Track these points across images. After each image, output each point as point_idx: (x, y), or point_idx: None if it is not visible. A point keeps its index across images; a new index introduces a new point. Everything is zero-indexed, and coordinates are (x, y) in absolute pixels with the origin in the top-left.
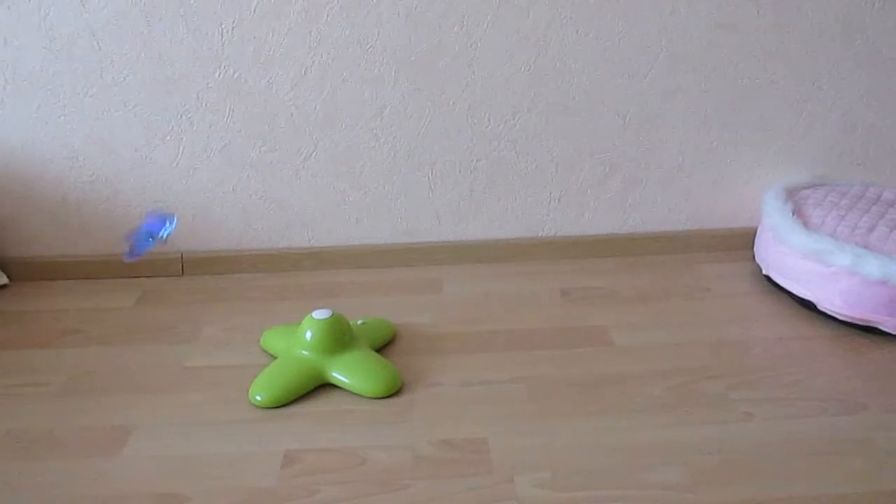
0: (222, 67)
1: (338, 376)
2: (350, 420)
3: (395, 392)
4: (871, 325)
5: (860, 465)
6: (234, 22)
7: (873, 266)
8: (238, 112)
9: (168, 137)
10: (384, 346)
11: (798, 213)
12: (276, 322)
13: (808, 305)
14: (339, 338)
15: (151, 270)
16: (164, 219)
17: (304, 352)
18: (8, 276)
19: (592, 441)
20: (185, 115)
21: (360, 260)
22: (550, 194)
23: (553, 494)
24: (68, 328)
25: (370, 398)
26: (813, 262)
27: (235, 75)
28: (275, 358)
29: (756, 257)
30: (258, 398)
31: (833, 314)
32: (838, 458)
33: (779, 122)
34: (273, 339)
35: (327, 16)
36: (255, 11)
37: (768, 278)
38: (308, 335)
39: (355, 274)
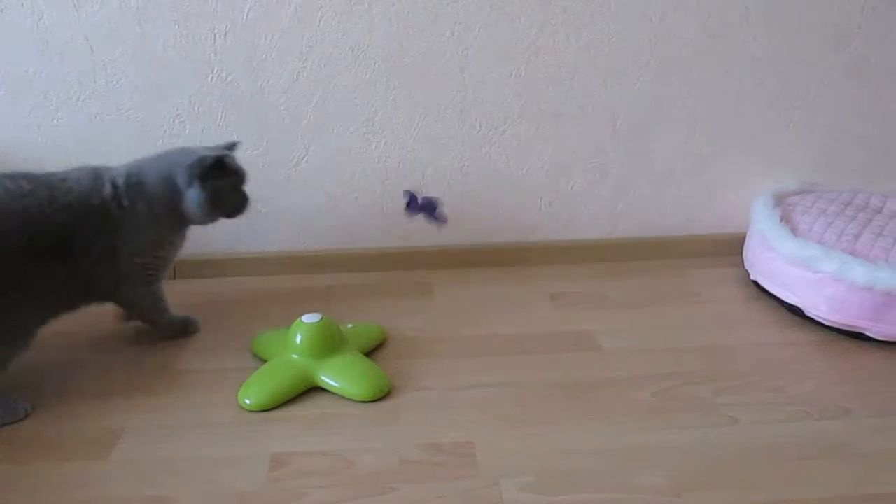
0: (215, 72)
1: (326, 380)
2: (338, 423)
3: (383, 396)
4: (856, 330)
5: (844, 470)
6: (226, 27)
7: (859, 273)
8: (230, 116)
9: (160, 141)
10: (374, 349)
11: (786, 219)
12: (267, 326)
13: (795, 311)
14: (329, 342)
15: None
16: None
17: (293, 355)
18: None
19: (579, 445)
20: (178, 118)
21: (352, 264)
22: (541, 199)
23: (538, 498)
24: (58, 331)
25: (358, 402)
26: (800, 269)
27: (228, 79)
28: (265, 361)
29: (744, 263)
30: (247, 401)
31: (820, 320)
32: (822, 462)
33: (768, 129)
34: (263, 343)
35: (320, 20)
36: (247, 16)
37: (756, 284)
38: (298, 339)
39: (346, 277)
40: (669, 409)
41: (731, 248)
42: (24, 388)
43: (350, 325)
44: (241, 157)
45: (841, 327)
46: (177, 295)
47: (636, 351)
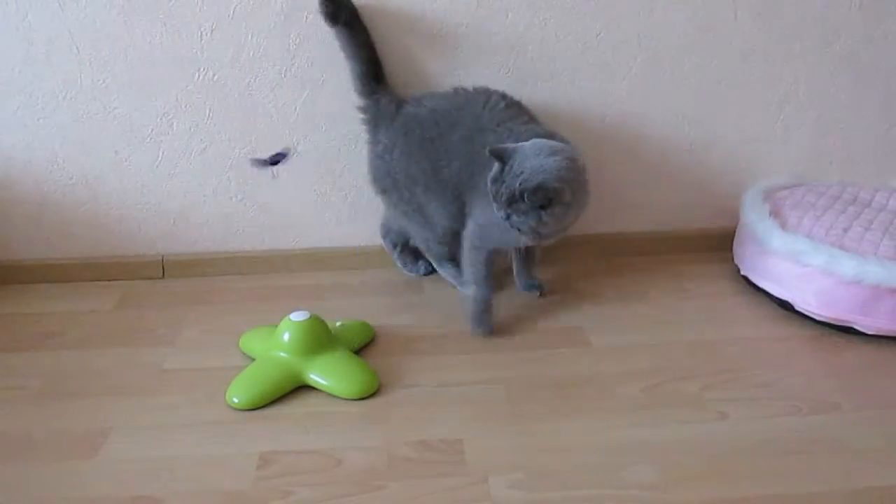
0: (202, 70)
1: (315, 378)
2: (327, 422)
3: (372, 393)
4: (846, 324)
5: (831, 464)
6: (213, 24)
7: (847, 266)
8: (218, 114)
9: (148, 140)
10: (363, 347)
11: (775, 213)
12: (256, 324)
13: (785, 305)
14: (317, 339)
15: (132, 273)
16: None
17: (281, 353)
18: None
19: (567, 441)
20: (165, 117)
21: (341, 261)
22: None
23: (527, 495)
24: (47, 331)
25: (347, 400)
26: (789, 263)
27: (215, 77)
28: (253, 360)
29: (734, 258)
30: (235, 400)
31: (809, 314)
32: (810, 457)
33: (757, 123)
34: (251, 341)
35: (306, 18)
36: (234, 13)
37: (746, 279)
38: (286, 337)
39: (336, 275)
40: (658, 404)
41: (720, 242)
42: (11, 389)
43: (339, 323)
44: (232, 157)
45: (830, 321)
46: (165, 294)
47: (625, 347)
